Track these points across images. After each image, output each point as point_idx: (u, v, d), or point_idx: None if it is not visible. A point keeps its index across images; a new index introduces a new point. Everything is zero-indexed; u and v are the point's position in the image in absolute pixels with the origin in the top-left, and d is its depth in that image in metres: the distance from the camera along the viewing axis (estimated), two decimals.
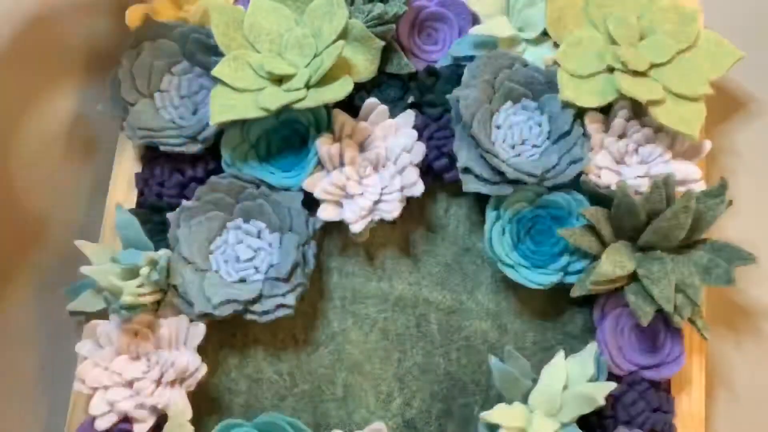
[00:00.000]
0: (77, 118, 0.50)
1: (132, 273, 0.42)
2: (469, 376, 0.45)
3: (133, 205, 0.46)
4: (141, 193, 0.46)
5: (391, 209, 0.44)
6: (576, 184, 0.44)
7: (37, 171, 0.49)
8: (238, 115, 0.43)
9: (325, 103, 0.43)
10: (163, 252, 0.42)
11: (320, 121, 0.45)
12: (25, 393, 0.47)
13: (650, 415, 0.42)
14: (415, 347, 0.45)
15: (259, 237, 0.44)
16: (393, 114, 0.45)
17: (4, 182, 0.49)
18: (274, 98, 0.43)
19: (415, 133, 0.44)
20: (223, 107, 0.43)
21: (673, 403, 0.43)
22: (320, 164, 0.45)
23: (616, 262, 0.42)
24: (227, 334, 0.45)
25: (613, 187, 0.43)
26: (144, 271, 0.41)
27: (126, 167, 0.47)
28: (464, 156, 0.43)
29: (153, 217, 0.45)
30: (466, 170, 0.43)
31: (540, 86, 0.45)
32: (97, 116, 0.47)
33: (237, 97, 0.44)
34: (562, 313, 0.45)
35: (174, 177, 0.46)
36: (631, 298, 0.41)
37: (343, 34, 0.44)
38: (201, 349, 0.43)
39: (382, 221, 0.44)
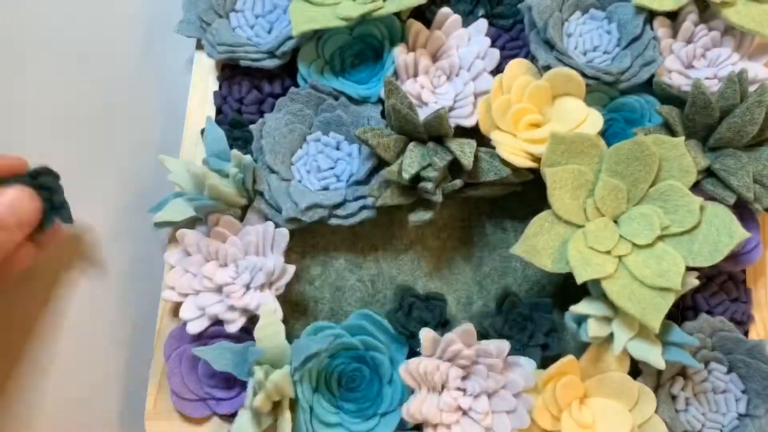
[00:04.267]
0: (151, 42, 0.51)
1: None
2: (547, 278, 0.46)
3: None
4: (219, 111, 0.47)
5: (467, 114, 0.45)
6: (648, 88, 0.45)
7: (114, 89, 0.51)
8: (319, 24, 0.44)
9: (403, 8, 0.44)
10: (248, 157, 0.43)
11: (394, 33, 0.46)
12: (112, 304, 0.48)
13: (729, 305, 0.43)
14: (492, 253, 0.46)
15: (337, 149, 0.45)
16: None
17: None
18: (353, 9, 0.44)
19: (488, 40, 0.45)
20: (304, 18, 0.44)
21: (750, 294, 0.44)
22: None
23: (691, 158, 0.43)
24: (309, 245, 0.46)
25: (684, 88, 0.44)
26: (233, 171, 0.42)
27: (202, 86, 0.48)
28: (543, 56, 0.44)
29: (234, 133, 0.46)
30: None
31: None
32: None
33: (315, 10, 0.45)
34: None
35: (252, 93, 0.47)
36: (710, 188, 0.42)
37: None
38: (285, 260, 0.44)
39: (458, 128, 0.45)
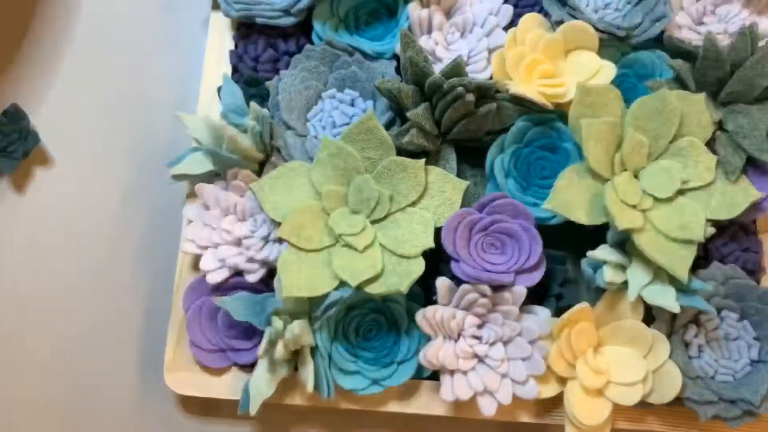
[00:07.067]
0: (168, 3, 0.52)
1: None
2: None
3: None
4: (235, 70, 0.48)
5: (481, 69, 0.45)
6: (659, 44, 0.46)
7: (131, 49, 0.51)
8: None
9: None
10: (265, 110, 0.44)
11: None
12: (130, 261, 0.49)
13: (741, 254, 0.44)
14: None
15: (352, 105, 0.46)
16: None
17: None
18: None
19: None
20: None
21: (761, 245, 0.44)
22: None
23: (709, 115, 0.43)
24: None
25: (695, 44, 0.45)
26: (251, 124, 0.43)
27: (218, 46, 0.48)
28: (556, 11, 0.44)
29: (249, 91, 0.46)
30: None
31: None
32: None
33: None
34: None
35: (268, 52, 0.47)
36: (721, 151, 0.43)
37: None
38: None
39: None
